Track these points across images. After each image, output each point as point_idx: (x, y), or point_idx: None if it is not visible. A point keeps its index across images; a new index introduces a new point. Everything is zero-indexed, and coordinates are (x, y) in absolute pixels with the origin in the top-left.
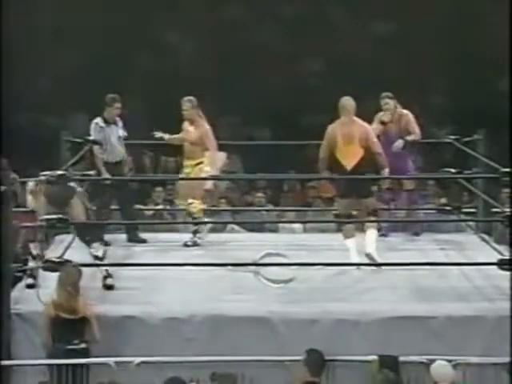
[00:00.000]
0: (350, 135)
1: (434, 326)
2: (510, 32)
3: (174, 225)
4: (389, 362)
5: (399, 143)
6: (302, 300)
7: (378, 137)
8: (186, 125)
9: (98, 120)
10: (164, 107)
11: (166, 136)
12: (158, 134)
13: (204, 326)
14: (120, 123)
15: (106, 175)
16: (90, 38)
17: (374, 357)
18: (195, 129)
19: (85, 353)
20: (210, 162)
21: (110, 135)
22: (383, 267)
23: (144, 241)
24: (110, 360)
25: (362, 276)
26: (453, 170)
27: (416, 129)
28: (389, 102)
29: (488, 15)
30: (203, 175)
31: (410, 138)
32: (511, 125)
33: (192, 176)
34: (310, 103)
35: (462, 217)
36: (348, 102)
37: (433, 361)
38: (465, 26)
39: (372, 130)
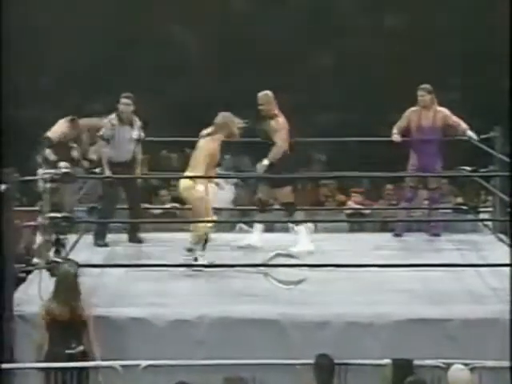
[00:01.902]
0: None
1: (449, 329)
2: (511, 31)
3: (184, 225)
4: (403, 366)
5: (472, 134)
6: (312, 302)
7: (409, 131)
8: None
9: (112, 117)
10: (171, 103)
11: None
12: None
13: (213, 328)
14: (137, 124)
15: (109, 174)
16: (91, 33)
17: (388, 360)
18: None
19: (82, 356)
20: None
21: (121, 134)
22: (397, 268)
23: (140, 241)
24: (117, 363)
25: (374, 277)
26: (469, 168)
27: (461, 123)
28: (424, 95)
29: (503, 8)
30: None
31: (470, 133)
32: None
33: None
34: (321, 99)
35: (479, 216)
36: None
37: (448, 364)
38: (478, 20)
39: (399, 126)
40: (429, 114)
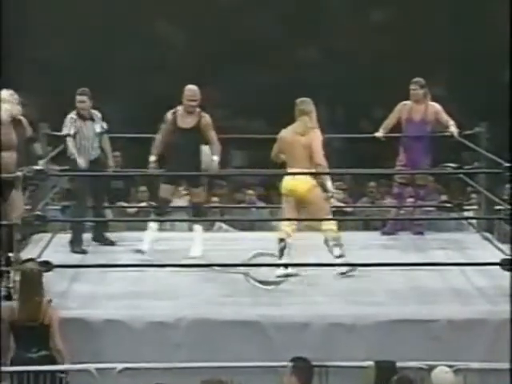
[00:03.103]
0: None
1: (434, 330)
2: (511, 30)
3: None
4: (386, 368)
5: (455, 129)
6: (294, 302)
7: (400, 126)
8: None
9: (72, 114)
10: (153, 99)
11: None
12: None
13: (191, 330)
14: (98, 117)
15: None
16: (76, 28)
17: (371, 362)
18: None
19: (46, 361)
20: None
21: (84, 131)
22: (380, 268)
23: (112, 243)
24: (91, 366)
25: (358, 277)
26: (453, 165)
27: (450, 119)
28: (417, 89)
29: (491, 2)
30: None
31: (454, 129)
32: None
33: None
34: (308, 95)
35: (464, 214)
36: None
37: (432, 366)
38: (466, 15)
39: (389, 120)
40: (420, 108)
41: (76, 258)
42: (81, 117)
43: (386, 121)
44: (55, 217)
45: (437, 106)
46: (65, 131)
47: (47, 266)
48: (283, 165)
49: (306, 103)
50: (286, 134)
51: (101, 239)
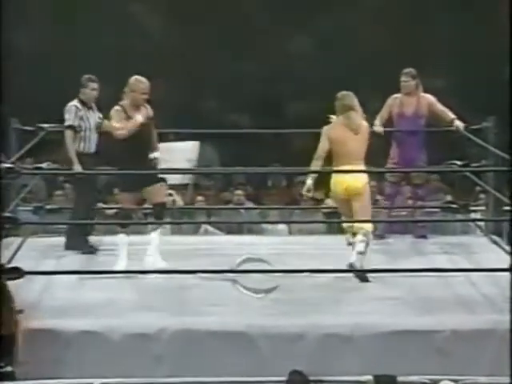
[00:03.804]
0: None
1: (438, 341)
2: (511, 27)
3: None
4: (386, 383)
5: (460, 123)
6: (286, 312)
7: (391, 121)
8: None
9: (76, 102)
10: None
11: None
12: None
13: (174, 342)
14: (95, 107)
15: (79, 168)
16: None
17: (369, 377)
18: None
19: (11, 378)
20: None
21: (88, 122)
22: (380, 274)
23: (92, 251)
24: (65, 382)
25: (355, 285)
26: (459, 163)
27: (448, 111)
28: (408, 81)
29: None
30: None
31: (459, 123)
32: None
33: None
34: (296, 87)
35: (470, 216)
36: None
37: (436, 381)
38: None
39: (382, 114)
40: (412, 100)
41: (49, 264)
42: (84, 106)
43: (378, 115)
44: (27, 219)
45: (430, 98)
46: (68, 122)
47: (17, 272)
48: (327, 162)
49: (349, 97)
50: (335, 130)
51: (78, 246)
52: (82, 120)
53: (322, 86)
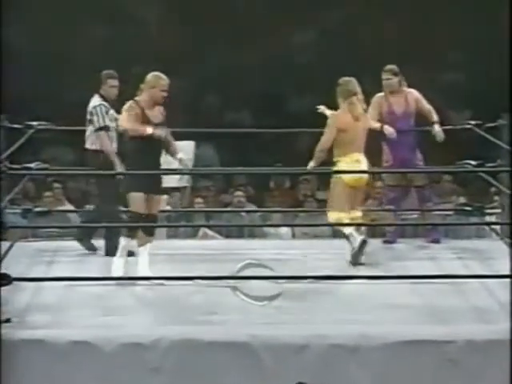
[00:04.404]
0: None
1: (451, 353)
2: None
3: None
4: None
5: (439, 129)
6: (289, 321)
7: (381, 121)
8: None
9: (101, 101)
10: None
11: (328, 112)
12: (321, 109)
13: (171, 352)
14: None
15: (120, 169)
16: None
17: None
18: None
19: None
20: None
21: (112, 120)
22: (389, 281)
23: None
24: None
25: (362, 292)
26: (473, 163)
27: (433, 111)
28: (391, 78)
29: None
30: None
31: (438, 129)
32: None
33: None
34: (298, 83)
35: (485, 219)
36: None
37: None
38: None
39: (369, 115)
40: (399, 98)
41: (39, 270)
42: (109, 103)
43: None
44: (15, 222)
45: (416, 94)
46: (100, 123)
47: (5, 279)
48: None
49: (352, 83)
50: (343, 118)
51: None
52: (110, 120)
53: (326, 80)
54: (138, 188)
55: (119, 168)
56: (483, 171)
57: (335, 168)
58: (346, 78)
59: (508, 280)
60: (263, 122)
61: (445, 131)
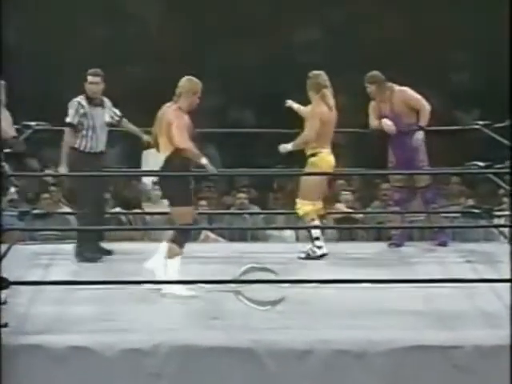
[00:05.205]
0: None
1: (458, 358)
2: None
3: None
4: None
5: (418, 135)
6: (293, 326)
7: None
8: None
9: (80, 98)
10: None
11: (295, 106)
12: (289, 103)
13: (172, 358)
14: (108, 103)
15: (63, 169)
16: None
17: None
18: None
19: None
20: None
21: (93, 118)
22: (395, 285)
23: (109, 252)
24: None
25: (368, 297)
26: (481, 164)
27: (424, 104)
28: (369, 87)
29: None
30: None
31: (419, 136)
32: None
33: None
34: (301, 82)
35: (493, 222)
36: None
37: None
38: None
39: (372, 121)
40: (384, 104)
41: (37, 274)
42: (91, 102)
43: (370, 124)
44: (12, 225)
45: (404, 93)
46: (68, 119)
47: (2, 282)
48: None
49: (323, 76)
50: (325, 110)
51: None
52: (84, 117)
53: (330, 79)
54: (190, 202)
55: (62, 169)
56: (492, 172)
57: (314, 159)
58: (316, 72)
59: None
60: (267, 120)
61: (453, 131)
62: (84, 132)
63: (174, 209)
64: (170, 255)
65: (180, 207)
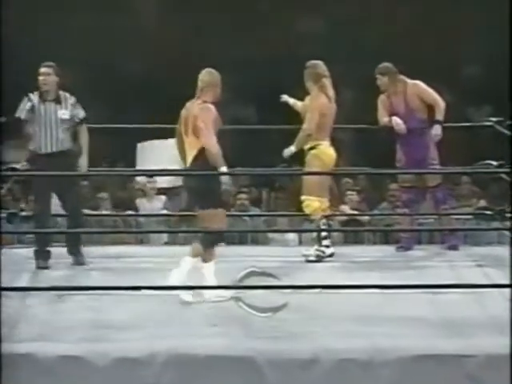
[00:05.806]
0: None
1: (469, 368)
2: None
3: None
4: None
5: (436, 130)
6: (295, 334)
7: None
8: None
9: (32, 95)
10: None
11: (291, 101)
12: (284, 98)
13: (169, 368)
14: (69, 101)
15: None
16: None
17: None
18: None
19: None
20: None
21: (44, 115)
22: (403, 291)
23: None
24: None
25: (374, 302)
26: (494, 163)
27: (439, 98)
28: (380, 79)
29: None
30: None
31: (437, 122)
32: None
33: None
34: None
35: (507, 224)
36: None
37: None
38: None
39: (381, 117)
40: (398, 98)
41: (26, 279)
42: (41, 97)
43: (380, 121)
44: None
45: (418, 87)
46: (17, 114)
47: None
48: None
49: (321, 66)
50: (325, 101)
51: (77, 252)
52: (32, 113)
53: (334, 74)
54: (221, 204)
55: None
56: (505, 172)
57: (314, 151)
58: (314, 61)
59: None
60: (269, 117)
61: (464, 128)
62: (36, 128)
63: (204, 212)
64: (205, 259)
65: (211, 210)
